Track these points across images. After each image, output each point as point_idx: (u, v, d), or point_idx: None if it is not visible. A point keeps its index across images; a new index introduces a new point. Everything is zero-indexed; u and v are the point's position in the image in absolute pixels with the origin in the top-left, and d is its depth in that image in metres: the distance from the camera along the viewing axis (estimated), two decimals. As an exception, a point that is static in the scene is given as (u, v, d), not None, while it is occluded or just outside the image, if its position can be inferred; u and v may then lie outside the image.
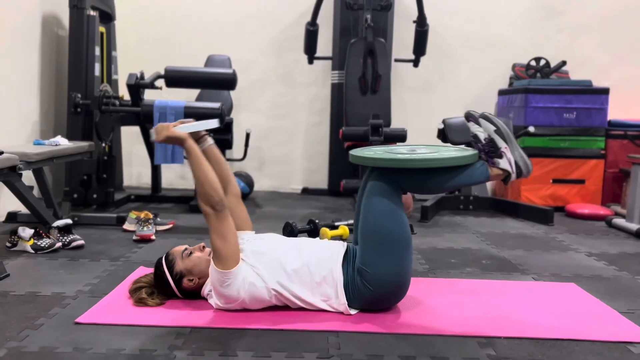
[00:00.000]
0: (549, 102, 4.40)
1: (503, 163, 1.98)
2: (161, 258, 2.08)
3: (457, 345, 1.76)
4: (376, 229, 1.94)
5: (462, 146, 2.16)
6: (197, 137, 2.11)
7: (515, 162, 1.97)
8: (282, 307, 1.99)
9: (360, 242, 1.99)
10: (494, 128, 1.99)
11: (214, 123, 2.13)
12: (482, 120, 2.03)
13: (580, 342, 1.81)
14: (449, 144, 2.22)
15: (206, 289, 2.03)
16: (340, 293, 1.95)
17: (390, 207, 1.95)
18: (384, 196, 1.96)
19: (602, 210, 4.09)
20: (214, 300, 1.98)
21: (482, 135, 2.03)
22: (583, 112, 4.40)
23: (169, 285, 2.04)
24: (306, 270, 1.95)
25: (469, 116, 2.09)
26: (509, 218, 4.01)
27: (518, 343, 1.79)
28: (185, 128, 2.03)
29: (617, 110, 4.68)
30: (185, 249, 2.07)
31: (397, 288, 1.97)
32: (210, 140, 2.17)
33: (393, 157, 1.95)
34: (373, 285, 1.92)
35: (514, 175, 1.99)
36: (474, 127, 2.06)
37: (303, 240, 2.11)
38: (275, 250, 2.00)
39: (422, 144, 2.21)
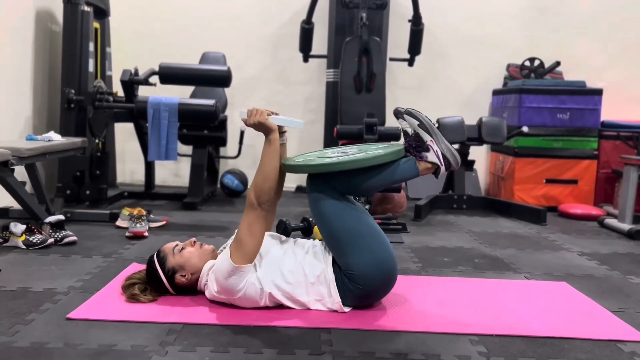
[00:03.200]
0: (542, 103, 4.41)
1: (431, 156, 1.97)
2: (153, 255, 2.08)
3: (449, 343, 1.76)
4: (334, 234, 1.94)
5: (391, 143, 2.16)
6: (279, 132, 2.07)
7: (443, 155, 1.96)
8: (274, 306, 1.99)
9: (331, 250, 1.99)
10: (417, 122, 1.98)
11: (299, 124, 2.09)
12: (405, 116, 2.02)
13: (571, 340, 1.82)
14: (379, 143, 2.20)
15: (203, 280, 2.02)
16: (334, 292, 1.96)
17: (335, 207, 1.95)
18: (325, 199, 1.95)
19: (594, 211, 4.11)
20: (208, 291, 1.99)
21: (410, 131, 2.02)
22: (576, 113, 4.42)
23: (162, 282, 2.03)
24: (301, 270, 1.96)
25: (398, 113, 2.07)
26: (502, 217, 4.03)
27: (509, 341, 1.79)
28: (275, 120, 2.01)
29: (610, 111, 4.70)
30: (177, 245, 2.07)
31: (385, 277, 1.97)
32: (285, 139, 2.12)
33: (319, 163, 1.95)
34: (362, 284, 1.93)
35: (443, 168, 1.97)
36: (403, 124, 2.05)
37: (297, 242, 2.11)
38: (273, 251, 2.01)
39: (355, 145, 2.20)
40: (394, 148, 2.00)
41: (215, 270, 1.95)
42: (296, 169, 2.00)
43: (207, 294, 2.00)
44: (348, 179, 1.97)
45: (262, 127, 1.99)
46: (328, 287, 1.96)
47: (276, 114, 2.05)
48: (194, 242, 2.09)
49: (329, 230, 1.96)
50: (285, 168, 2.04)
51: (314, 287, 1.96)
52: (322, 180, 1.98)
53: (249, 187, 1.93)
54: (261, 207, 1.91)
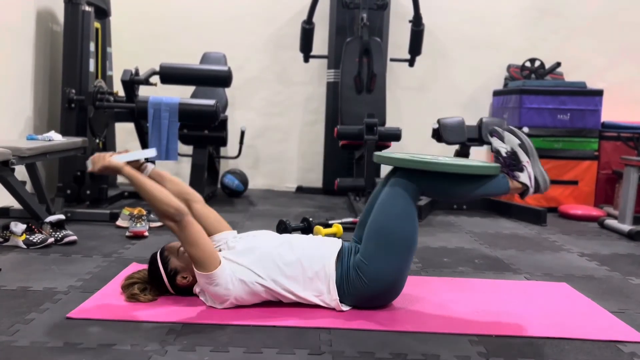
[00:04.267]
0: (543, 103, 4.41)
1: (523, 177, 2.00)
2: (156, 253, 2.08)
3: (449, 343, 1.76)
4: (388, 226, 1.95)
5: (483, 160, 2.21)
6: (136, 166, 2.08)
7: (535, 177, 2.00)
8: (275, 302, 1.99)
9: (367, 235, 1.99)
10: (519, 142, 2.02)
11: (150, 152, 2.15)
12: (506, 134, 2.06)
13: (571, 340, 1.81)
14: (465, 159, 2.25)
15: (197, 288, 2.03)
16: (332, 289, 1.96)
17: (407, 209, 1.97)
18: (403, 197, 1.97)
19: (594, 211, 4.10)
20: (206, 298, 1.99)
21: (503, 150, 2.05)
22: (577, 114, 4.42)
23: (163, 281, 2.04)
24: (299, 265, 1.96)
25: (494, 132, 2.11)
26: (502, 218, 4.03)
27: (509, 341, 1.79)
28: (121, 158, 2.03)
29: (611, 112, 4.71)
30: (180, 245, 2.06)
31: (391, 287, 1.98)
32: (150, 166, 2.13)
33: (419, 160, 1.96)
34: (368, 279, 1.93)
35: (532, 190, 2.01)
36: (496, 143, 2.09)
37: (296, 237, 2.11)
38: (267, 245, 2.01)
39: (440, 156, 2.23)
40: (492, 164, 2.05)
41: (201, 287, 1.96)
42: (394, 161, 2.01)
43: (211, 303, 1.99)
44: (442, 182, 1.98)
45: (109, 170, 2.00)
46: (327, 284, 1.96)
47: (126, 151, 2.08)
48: None
49: (385, 222, 1.96)
50: (380, 159, 2.06)
51: (312, 282, 1.96)
52: (411, 178, 1.98)
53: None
54: (176, 220, 1.87)
